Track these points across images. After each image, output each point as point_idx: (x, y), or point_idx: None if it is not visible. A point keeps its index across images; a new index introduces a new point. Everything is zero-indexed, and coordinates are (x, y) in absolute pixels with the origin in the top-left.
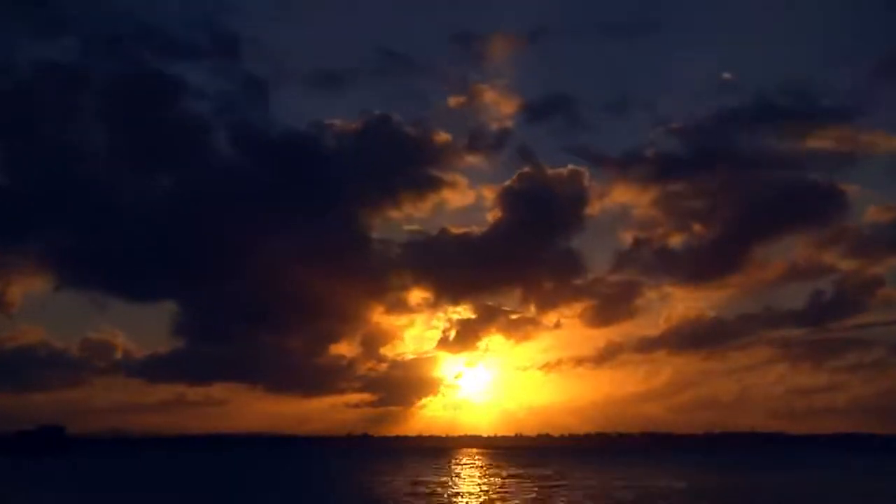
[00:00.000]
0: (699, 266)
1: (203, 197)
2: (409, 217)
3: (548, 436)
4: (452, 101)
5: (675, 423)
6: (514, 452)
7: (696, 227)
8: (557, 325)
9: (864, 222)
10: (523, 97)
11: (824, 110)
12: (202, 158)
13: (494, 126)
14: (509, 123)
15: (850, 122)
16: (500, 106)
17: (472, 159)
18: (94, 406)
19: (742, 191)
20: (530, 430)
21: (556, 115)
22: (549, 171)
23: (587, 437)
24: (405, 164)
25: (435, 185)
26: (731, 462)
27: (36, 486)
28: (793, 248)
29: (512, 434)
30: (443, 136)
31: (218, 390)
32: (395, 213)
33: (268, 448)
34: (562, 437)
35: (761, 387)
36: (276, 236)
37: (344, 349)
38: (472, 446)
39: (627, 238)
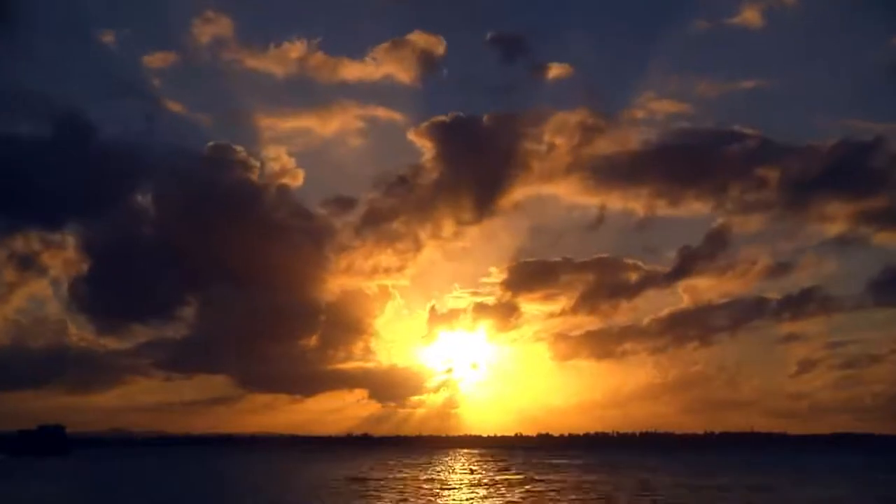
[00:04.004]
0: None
1: None
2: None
3: (548, 435)
4: None
5: (675, 422)
6: (504, 454)
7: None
8: (543, 315)
9: None
10: None
11: None
12: None
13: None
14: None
15: None
16: None
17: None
18: (94, 405)
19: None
20: (530, 429)
21: None
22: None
23: (587, 436)
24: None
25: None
26: (730, 462)
27: (36, 486)
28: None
29: (512, 434)
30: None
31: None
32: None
33: (268, 449)
34: (562, 436)
35: (763, 384)
36: None
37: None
38: (471, 446)
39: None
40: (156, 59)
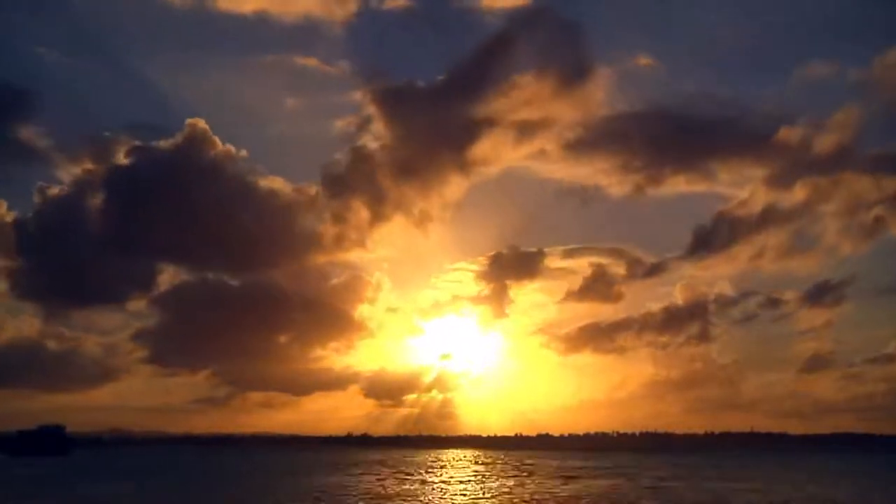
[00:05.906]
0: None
1: None
2: None
3: (548, 435)
4: None
5: (675, 422)
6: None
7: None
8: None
9: None
10: None
11: None
12: None
13: None
14: None
15: None
16: None
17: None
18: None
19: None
20: (529, 428)
21: None
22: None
23: (587, 436)
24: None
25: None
26: (730, 462)
27: (36, 486)
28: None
29: (512, 434)
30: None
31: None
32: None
33: (269, 449)
34: (562, 436)
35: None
36: None
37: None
38: (471, 446)
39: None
40: None
